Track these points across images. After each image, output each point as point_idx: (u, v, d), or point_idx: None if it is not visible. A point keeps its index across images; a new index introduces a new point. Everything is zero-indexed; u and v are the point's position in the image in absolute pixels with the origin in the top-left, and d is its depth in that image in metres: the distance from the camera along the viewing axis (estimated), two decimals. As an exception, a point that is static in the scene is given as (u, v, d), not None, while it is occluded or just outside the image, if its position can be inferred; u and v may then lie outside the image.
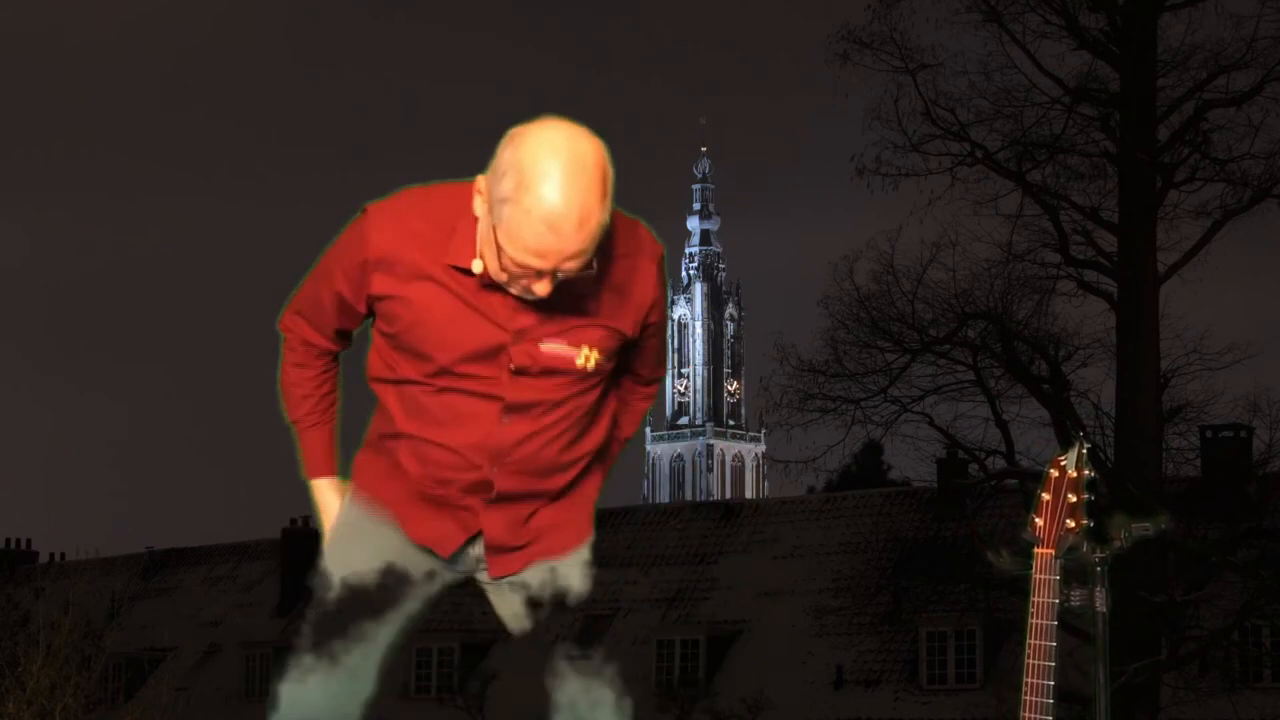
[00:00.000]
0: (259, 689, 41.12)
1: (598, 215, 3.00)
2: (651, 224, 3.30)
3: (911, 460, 53.02)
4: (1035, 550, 3.98)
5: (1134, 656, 21.63)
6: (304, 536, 42.87)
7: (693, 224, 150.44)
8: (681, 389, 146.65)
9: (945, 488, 33.73)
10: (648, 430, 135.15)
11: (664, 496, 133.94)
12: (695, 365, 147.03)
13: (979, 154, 24.65)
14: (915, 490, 37.44)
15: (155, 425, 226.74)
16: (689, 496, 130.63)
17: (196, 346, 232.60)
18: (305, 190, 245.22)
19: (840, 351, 25.89)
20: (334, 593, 3.42)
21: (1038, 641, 3.93)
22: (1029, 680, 3.93)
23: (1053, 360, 24.74)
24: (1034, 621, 3.92)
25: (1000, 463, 25.36)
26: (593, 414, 3.34)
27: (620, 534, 38.75)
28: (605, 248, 3.12)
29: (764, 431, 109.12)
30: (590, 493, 3.45)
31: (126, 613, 29.12)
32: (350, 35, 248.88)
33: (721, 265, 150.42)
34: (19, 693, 23.37)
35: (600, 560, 3.39)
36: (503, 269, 3.08)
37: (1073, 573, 4.02)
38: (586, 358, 3.23)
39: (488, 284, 3.15)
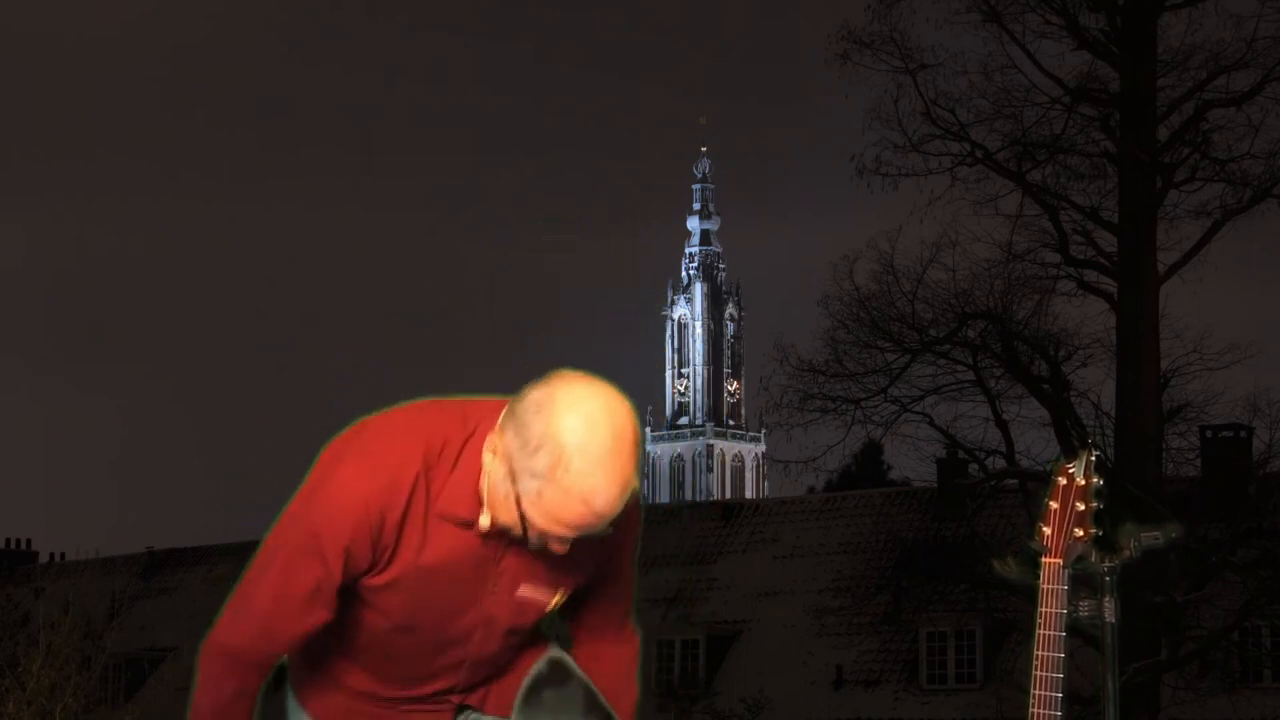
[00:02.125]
0: (259, 689, 41.15)
1: (634, 481, 2.88)
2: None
3: (911, 460, 52.71)
4: (1043, 560, 3.93)
5: (1134, 657, 21.61)
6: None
7: (693, 224, 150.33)
8: (681, 389, 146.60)
9: (945, 488, 33.74)
10: (647, 430, 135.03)
11: (664, 496, 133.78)
12: (695, 365, 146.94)
13: (979, 154, 24.62)
14: (915, 490, 37.43)
15: (155, 425, 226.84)
16: (689, 496, 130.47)
17: (197, 346, 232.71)
18: (306, 192, 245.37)
19: (840, 351, 25.87)
20: None
21: (1045, 653, 3.88)
22: (1036, 692, 3.90)
23: (1053, 360, 24.72)
24: (1042, 632, 3.88)
25: (1000, 463, 25.34)
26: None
27: (620, 534, 38.61)
28: None
29: (764, 431, 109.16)
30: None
31: (126, 613, 29.12)
32: (350, 37, 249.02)
33: (721, 265, 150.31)
34: (19, 693, 23.35)
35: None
36: (520, 530, 2.92)
37: (1080, 580, 3.98)
38: (557, 600, 3.12)
39: (484, 534, 2.99)
